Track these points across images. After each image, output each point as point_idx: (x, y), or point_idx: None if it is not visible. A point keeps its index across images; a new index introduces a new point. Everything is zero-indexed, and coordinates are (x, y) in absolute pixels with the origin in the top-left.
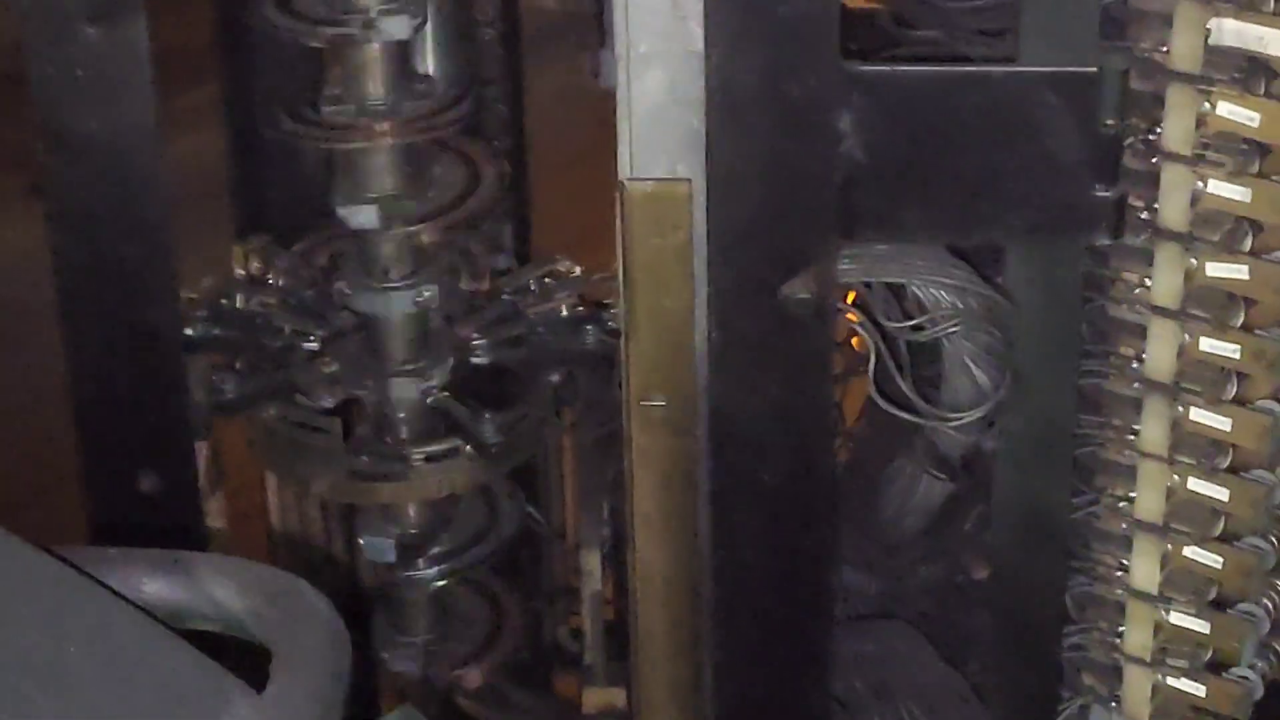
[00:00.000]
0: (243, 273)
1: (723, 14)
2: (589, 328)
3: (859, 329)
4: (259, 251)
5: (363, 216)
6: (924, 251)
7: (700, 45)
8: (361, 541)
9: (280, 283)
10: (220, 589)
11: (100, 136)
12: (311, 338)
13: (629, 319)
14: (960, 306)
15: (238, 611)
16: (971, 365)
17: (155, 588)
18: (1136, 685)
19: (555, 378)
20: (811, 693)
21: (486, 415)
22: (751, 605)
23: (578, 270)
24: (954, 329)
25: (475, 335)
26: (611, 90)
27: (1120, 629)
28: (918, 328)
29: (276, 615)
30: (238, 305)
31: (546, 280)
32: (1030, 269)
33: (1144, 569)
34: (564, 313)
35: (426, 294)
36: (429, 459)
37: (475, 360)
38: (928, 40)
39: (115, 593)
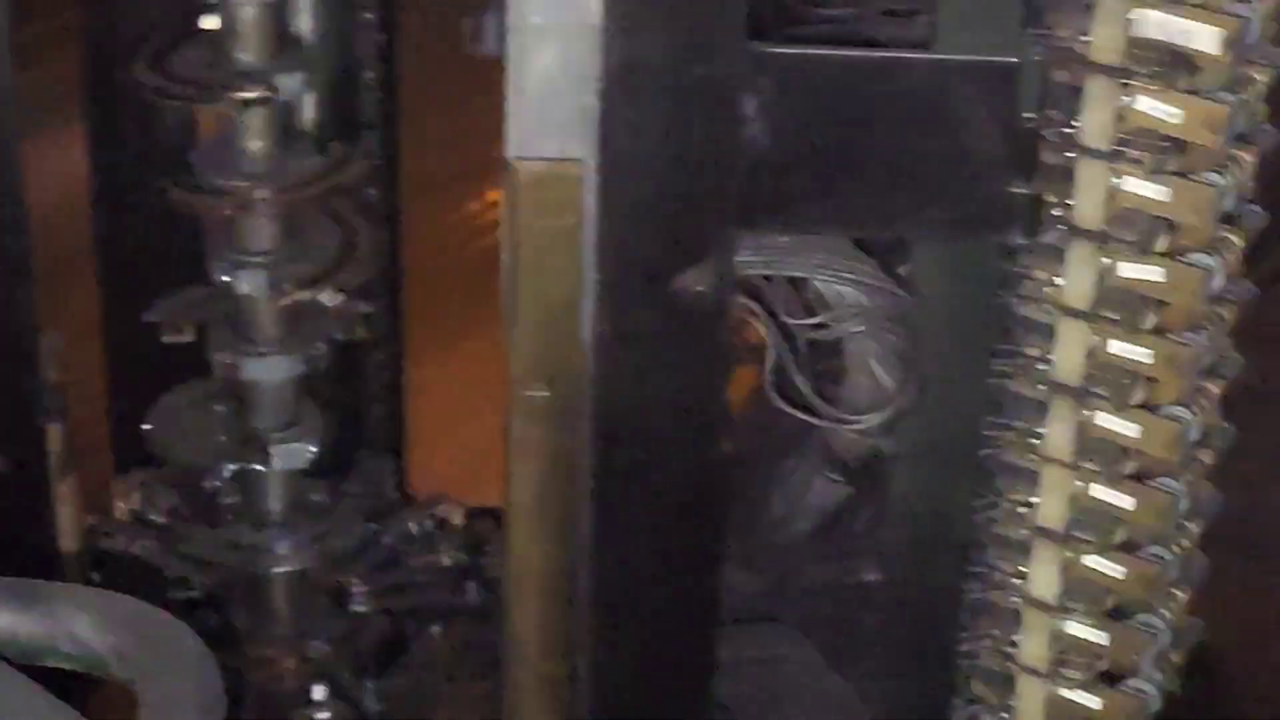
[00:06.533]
0: (122, 508)
1: None
2: (471, 583)
3: (758, 325)
4: (140, 488)
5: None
6: (828, 244)
7: (597, 19)
8: None
9: (162, 522)
10: (80, 623)
11: None
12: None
13: (513, 304)
14: (866, 304)
15: (100, 649)
16: (875, 366)
17: (5, 621)
18: (1030, 696)
19: (436, 630)
20: (693, 695)
21: (369, 684)
22: (633, 603)
23: (459, 516)
24: (858, 328)
25: (355, 582)
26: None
27: (1015, 638)
28: (820, 325)
29: (144, 654)
30: (117, 549)
31: (427, 525)
32: (939, 266)
33: (1043, 577)
34: (446, 563)
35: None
36: None
37: (355, 610)
38: (833, 19)
39: None
